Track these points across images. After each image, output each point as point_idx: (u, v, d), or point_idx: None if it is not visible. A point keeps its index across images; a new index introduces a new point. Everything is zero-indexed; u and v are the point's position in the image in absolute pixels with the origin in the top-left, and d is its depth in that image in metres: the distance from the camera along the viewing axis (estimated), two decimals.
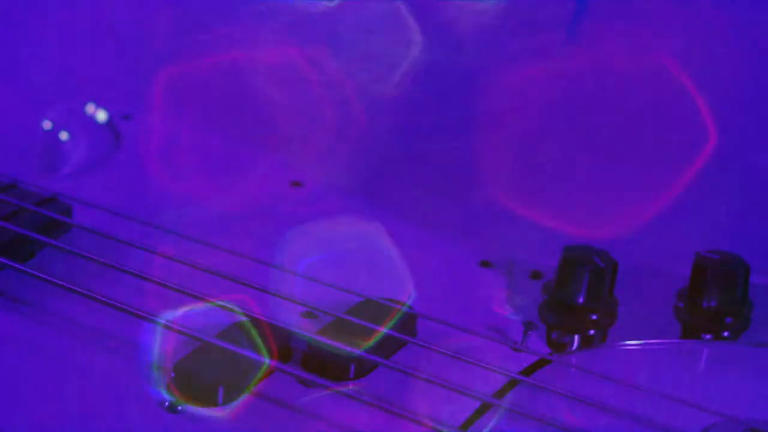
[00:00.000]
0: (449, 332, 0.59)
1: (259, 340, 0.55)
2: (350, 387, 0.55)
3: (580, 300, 0.61)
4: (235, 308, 0.57)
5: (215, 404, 0.53)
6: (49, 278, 0.59)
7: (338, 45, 0.84)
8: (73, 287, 0.58)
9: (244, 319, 0.57)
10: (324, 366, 0.55)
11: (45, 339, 0.57)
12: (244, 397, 0.54)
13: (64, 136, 0.80)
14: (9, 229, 0.62)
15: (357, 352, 0.55)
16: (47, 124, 0.81)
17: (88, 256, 0.60)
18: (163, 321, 0.56)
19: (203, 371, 0.54)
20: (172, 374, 0.54)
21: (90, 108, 0.81)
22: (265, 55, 0.85)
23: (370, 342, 0.55)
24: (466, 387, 0.53)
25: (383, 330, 0.56)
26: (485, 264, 0.66)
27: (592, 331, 0.61)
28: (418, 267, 0.65)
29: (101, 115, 0.80)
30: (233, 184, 0.73)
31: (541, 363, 0.58)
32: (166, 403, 0.53)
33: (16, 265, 0.60)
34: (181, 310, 0.57)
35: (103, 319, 0.58)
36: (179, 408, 0.53)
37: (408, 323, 0.59)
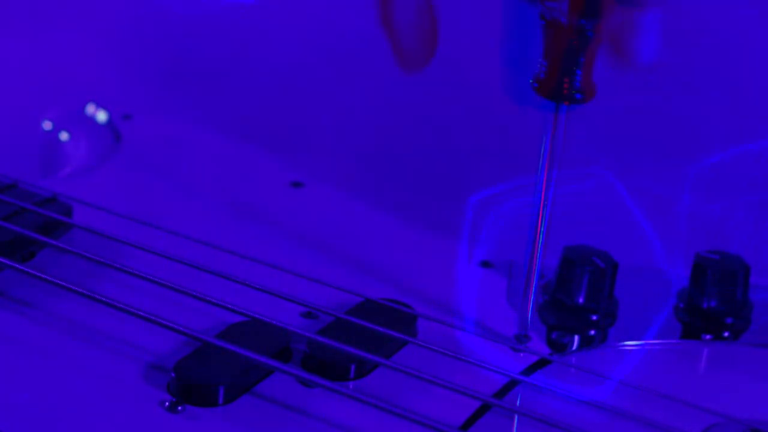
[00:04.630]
0: (449, 332, 0.59)
1: None
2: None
3: (580, 300, 0.61)
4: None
5: (215, 404, 0.53)
6: (49, 278, 0.59)
7: (339, 45, 0.84)
8: (73, 287, 0.58)
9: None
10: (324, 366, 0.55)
11: (45, 339, 0.57)
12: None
13: (64, 136, 0.80)
14: (9, 229, 0.62)
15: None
16: (47, 124, 0.81)
17: (88, 256, 0.60)
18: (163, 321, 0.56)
19: (203, 371, 0.54)
20: (172, 374, 0.54)
21: (90, 108, 0.81)
22: (265, 55, 0.85)
23: None
24: (466, 387, 0.53)
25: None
26: (485, 264, 0.66)
27: (592, 331, 0.61)
28: (418, 267, 0.65)
29: (101, 115, 0.80)
30: (233, 184, 0.73)
31: (541, 363, 0.58)
32: (166, 403, 0.53)
33: (16, 265, 0.60)
34: None
35: (103, 319, 0.58)
36: (179, 408, 0.53)
37: (408, 323, 0.59)
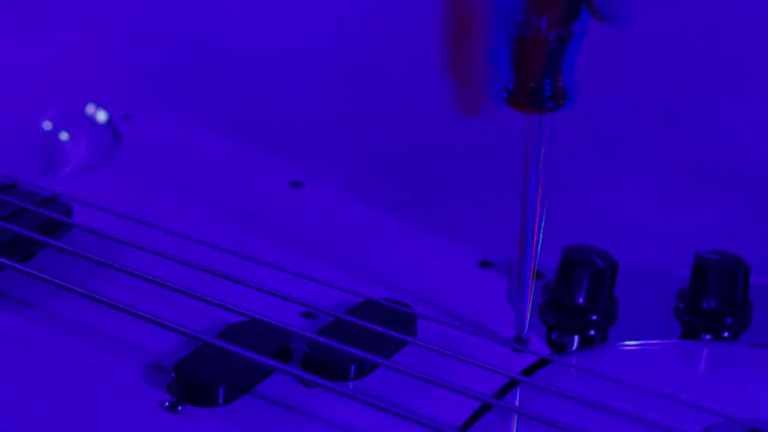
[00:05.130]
0: (449, 332, 0.59)
1: None
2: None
3: (580, 300, 0.61)
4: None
5: (215, 404, 0.53)
6: (49, 278, 0.59)
7: (339, 46, 0.84)
8: (73, 287, 0.58)
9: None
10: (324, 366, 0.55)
11: (45, 339, 0.57)
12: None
13: (64, 136, 0.80)
14: (9, 229, 0.62)
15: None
16: (47, 124, 0.81)
17: (88, 256, 0.60)
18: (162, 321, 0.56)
19: (203, 371, 0.54)
20: (172, 374, 0.54)
21: (90, 108, 0.81)
22: (266, 56, 0.85)
23: None
24: (466, 387, 0.53)
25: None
26: (485, 264, 0.66)
27: (592, 331, 0.61)
28: (418, 267, 0.65)
29: (101, 115, 0.80)
30: (233, 184, 0.73)
31: (541, 363, 0.58)
32: (166, 403, 0.53)
33: (16, 265, 0.60)
34: None
35: (103, 319, 0.58)
36: (179, 408, 0.53)
37: (408, 323, 0.59)
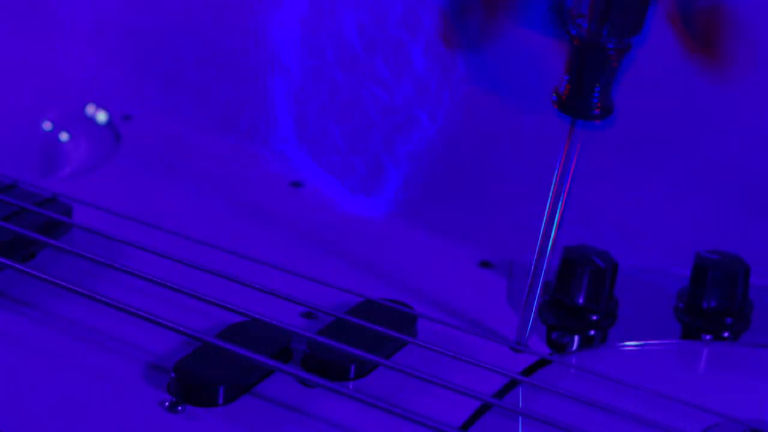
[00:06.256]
0: (449, 332, 0.59)
1: None
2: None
3: (580, 300, 0.61)
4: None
5: (215, 404, 0.53)
6: (49, 278, 0.59)
7: (339, 45, 0.84)
8: (73, 287, 0.58)
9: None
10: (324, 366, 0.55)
11: (45, 339, 0.57)
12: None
13: (64, 136, 0.80)
14: (9, 229, 0.62)
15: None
16: (47, 125, 0.81)
17: (88, 256, 0.60)
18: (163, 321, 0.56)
19: (203, 371, 0.54)
20: (172, 374, 0.54)
21: (90, 108, 0.81)
22: (265, 56, 0.85)
23: None
24: (466, 387, 0.53)
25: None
26: (485, 264, 0.66)
27: (592, 332, 0.61)
28: (418, 267, 0.65)
29: (101, 116, 0.80)
30: (233, 185, 0.73)
31: (541, 363, 0.58)
32: (166, 403, 0.53)
33: (16, 265, 0.60)
34: None
35: (103, 319, 0.58)
36: (179, 408, 0.53)
37: (408, 323, 0.59)
